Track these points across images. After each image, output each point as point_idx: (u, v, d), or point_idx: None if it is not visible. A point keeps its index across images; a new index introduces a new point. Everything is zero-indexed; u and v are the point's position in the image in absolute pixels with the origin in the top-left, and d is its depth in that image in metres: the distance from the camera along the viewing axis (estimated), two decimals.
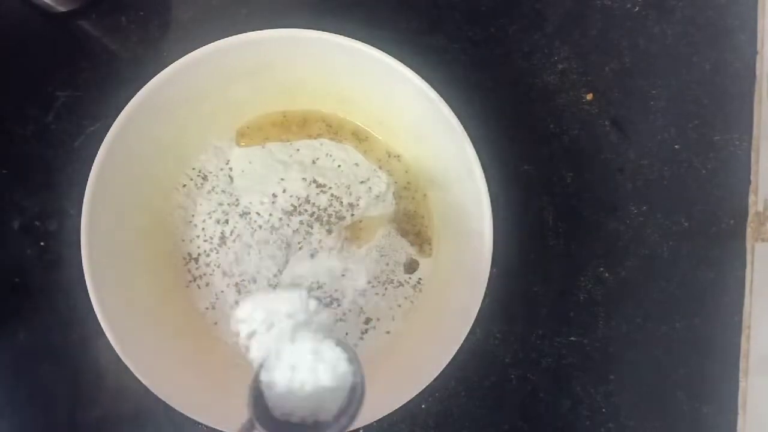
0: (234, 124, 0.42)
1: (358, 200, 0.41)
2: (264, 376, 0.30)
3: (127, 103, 0.35)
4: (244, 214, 0.42)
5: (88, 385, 0.42)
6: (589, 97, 0.44)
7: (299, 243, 0.41)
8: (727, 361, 0.44)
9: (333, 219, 0.41)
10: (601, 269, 0.44)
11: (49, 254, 0.43)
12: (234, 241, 0.42)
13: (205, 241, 0.42)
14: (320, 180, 0.42)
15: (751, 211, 0.44)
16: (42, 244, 0.43)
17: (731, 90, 0.45)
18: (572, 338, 0.44)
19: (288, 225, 0.41)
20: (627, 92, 0.44)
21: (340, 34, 0.35)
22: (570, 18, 0.44)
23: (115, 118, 0.35)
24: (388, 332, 0.41)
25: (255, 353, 0.31)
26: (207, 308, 0.42)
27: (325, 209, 0.41)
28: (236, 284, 0.41)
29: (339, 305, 0.40)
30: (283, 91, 0.41)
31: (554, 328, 0.44)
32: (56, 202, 0.42)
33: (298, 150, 0.42)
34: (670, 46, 0.45)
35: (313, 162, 0.42)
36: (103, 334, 0.35)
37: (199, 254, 0.42)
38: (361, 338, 0.41)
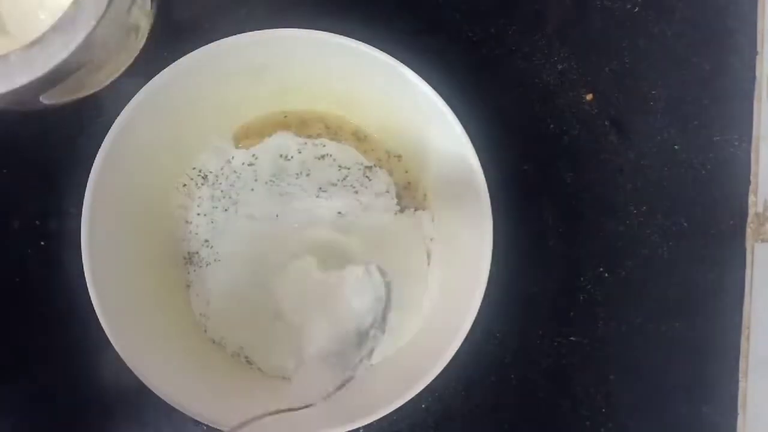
0: (234, 124, 0.42)
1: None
2: None
3: (127, 103, 0.35)
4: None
5: (88, 384, 0.42)
6: (589, 97, 0.44)
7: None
8: (727, 361, 0.44)
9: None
10: (601, 269, 0.44)
11: (49, 254, 0.43)
12: None
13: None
14: None
15: (751, 211, 0.44)
16: (42, 244, 0.43)
17: (731, 90, 0.44)
18: (572, 338, 0.44)
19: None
20: (627, 92, 0.44)
21: (340, 34, 0.35)
22: (570, 18, 0.44)
23: (116, 118, 0.35)
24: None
25: None
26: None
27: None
28: None
29: None
30: (283, 91, 0.41)
31: (554, 328, 0.44)
32: (56, 202, 0.42)
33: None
34: (670, 46, 0.44)
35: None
36: (103, 333, 0.35)
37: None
38: None
